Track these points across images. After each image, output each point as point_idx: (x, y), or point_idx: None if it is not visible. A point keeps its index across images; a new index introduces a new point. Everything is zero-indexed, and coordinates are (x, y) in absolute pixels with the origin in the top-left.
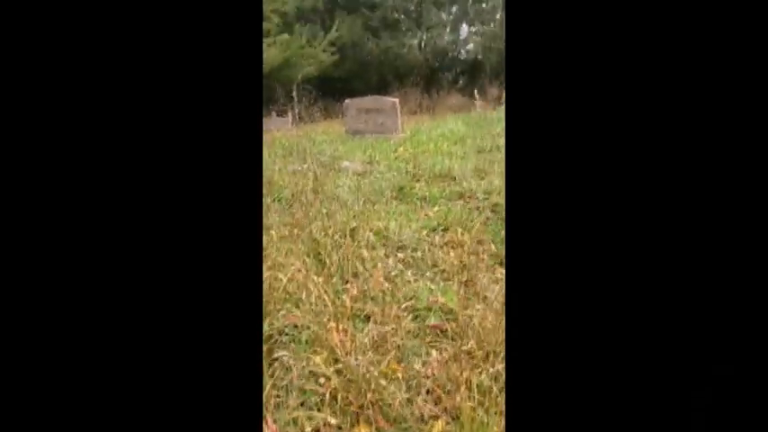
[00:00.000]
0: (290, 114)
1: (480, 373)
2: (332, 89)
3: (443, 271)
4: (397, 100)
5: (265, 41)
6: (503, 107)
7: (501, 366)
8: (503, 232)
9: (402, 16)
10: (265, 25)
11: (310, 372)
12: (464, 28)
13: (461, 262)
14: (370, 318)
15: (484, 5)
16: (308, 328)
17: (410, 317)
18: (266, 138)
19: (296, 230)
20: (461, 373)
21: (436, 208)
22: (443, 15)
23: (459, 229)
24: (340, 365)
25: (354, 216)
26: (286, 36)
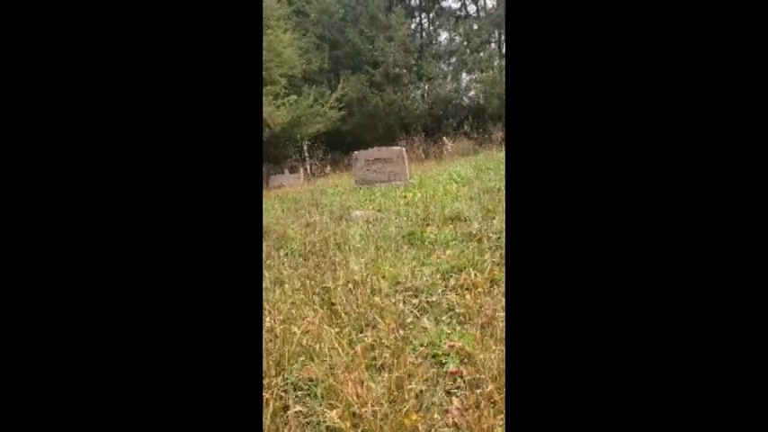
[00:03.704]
0: (301, 170)
1: (503, 420)
2: (340, 143)
3: (459, 314)
4: (403, 148)
5: (275, 103)
6: None
7: None
8: None
9: (404, 70)
10: (274, 88)
11: (327, 427)
12: (464, 76)
13: (477, 304)
14: (385, 367)
15: (481, 54)
16: (323, 381)
17: (427, 363)
18: (279, 193)
19: (309, 282)
20: (483, 421)
21: (449, 251)
22: (443, 66)
23: (473, 271)
24: (357, 419)
25: (366, 264)
26: (294, 97)
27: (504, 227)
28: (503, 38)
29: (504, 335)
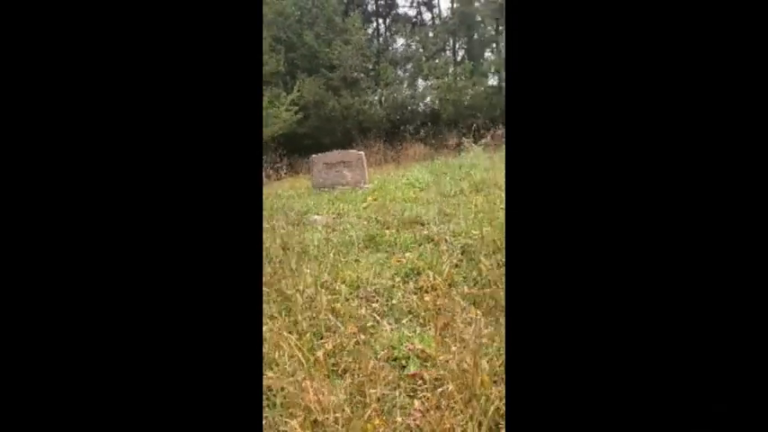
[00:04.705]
0: None
1: (463, 419)
2: (297, 146)
3: (419, 316)
4: (362, 153)
5: None
6: (463, 154)
7: (482, 410)
8: (474, 272)
9: (361, 75)
10: None
11: None
12: (420, 83)
13: (436, 306)
14: (346, 372)
15: (437, 61)
16: (283, 389)
17: (388, 367)
18: None
19: (266, 289)
20: (444, 422)
21: (408, 254)
22: (400, 72)
23: (432, 273)
24: (318, 427)
25: (325, 269)
26: None
27: (461, 230)
28: (457, 46)
29: (462, 335)
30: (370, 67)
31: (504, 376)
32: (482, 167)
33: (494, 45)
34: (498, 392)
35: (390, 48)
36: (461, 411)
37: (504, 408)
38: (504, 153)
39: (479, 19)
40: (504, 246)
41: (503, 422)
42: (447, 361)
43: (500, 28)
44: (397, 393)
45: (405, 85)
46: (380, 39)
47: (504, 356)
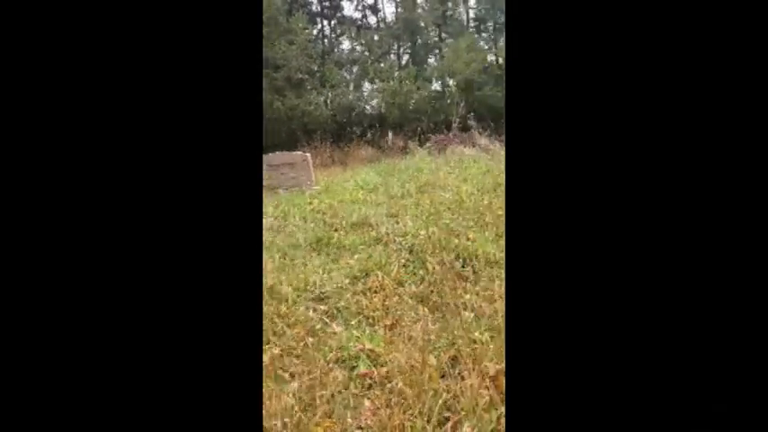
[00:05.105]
0: None
1: (413, 415)
2: None
3: (368, 317)
4: (308, 154)
5: None
6: (409, 156)
7: (431, 405)
8: (421, 271)
9: (306, 76)
10: None
11: None
12: (366, 85)
13: (384, 305)
14: (294, 376)
15: (382, 65)
16: None
17: (338, 368)
18: None
19: None
20: (393, 418)
21: (356, 255)
22: (346, 74)
23: (381, 274)
24: None
25: (271, 273)
26: None
27: (408, 230)
28: (402, 50)
29: (410, 333)
30: (315, 68)
31: (449, 370)
32: (427, 170)
33: (437, 51)
34: (446, 386)
35: (336, 50)
36: (411, 407)
37: (451, 400)
38: (447, 156)
39: (423, 25)
40: (447, 245)
41: (451, 415)
42: (396, 359)
43: (443, 35)
44: (348, 394)
45: (350, 88)
46: (325, 40)
47: (449, 352)
